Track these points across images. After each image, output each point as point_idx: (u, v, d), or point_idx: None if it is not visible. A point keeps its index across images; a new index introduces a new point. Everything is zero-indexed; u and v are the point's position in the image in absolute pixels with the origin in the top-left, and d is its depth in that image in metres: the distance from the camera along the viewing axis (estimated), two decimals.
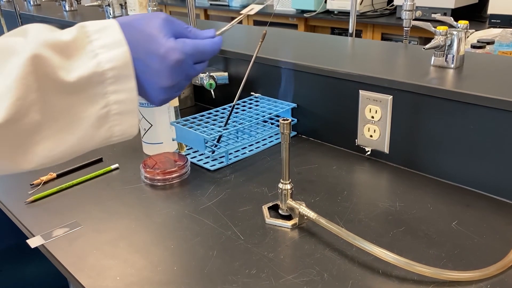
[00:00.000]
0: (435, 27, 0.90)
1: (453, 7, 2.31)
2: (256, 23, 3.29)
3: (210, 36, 0.54)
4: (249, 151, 1.01)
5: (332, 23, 2.88)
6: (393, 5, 2.69)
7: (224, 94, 1.23)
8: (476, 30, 1.61)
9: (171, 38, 0.50)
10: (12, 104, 0.40)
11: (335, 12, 2.81)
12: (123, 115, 0.48)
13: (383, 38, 2.65)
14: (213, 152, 0.97)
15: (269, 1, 0.79)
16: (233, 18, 4.09)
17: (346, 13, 2.64)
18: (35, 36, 0.44)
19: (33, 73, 0.41)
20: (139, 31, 0.48)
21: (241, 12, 0.63)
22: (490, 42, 1.47)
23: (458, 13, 2.31)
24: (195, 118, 1.02)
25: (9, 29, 2.26)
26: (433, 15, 1.10)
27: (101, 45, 0.45)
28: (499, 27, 1.89)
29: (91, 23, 0.47)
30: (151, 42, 0.48)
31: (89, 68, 0.44)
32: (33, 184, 0.89)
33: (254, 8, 0.64)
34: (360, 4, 2.67)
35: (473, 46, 1.46)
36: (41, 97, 0.42)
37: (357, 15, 1.32)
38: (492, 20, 2.18)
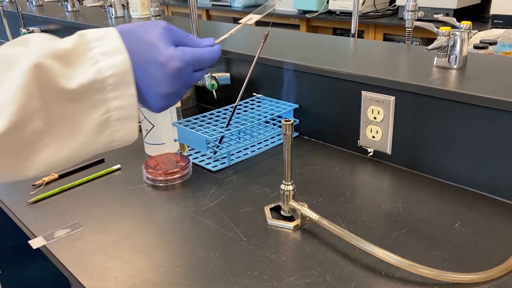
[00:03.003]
0: (437, 28, 0.90)
1: (455, 7, 2.31)
2: (258, 23, 3.28)
3: (209, 45, 0.54)
4: (251, 152, 1.01)
5: (334, 23, 2.88)
6: (395, 5, 2.68)
7: (226, 95, 1.23)
8: (478, 31, 1.60)
9: (171, 46, 0.50)
10: (15, 112, 0.41)
11: (337, 12, 2.81)
12: (124, 121, 0.48)
13: (385, 39, 2.64)
14: (215, 153, 0.97)
15: (268, 11, 0.80)
16: (234, 19, 4.07)
17: (348, 14, 2.63)
18: (35, 46, 0.44)
19: (35, 81, 0.42)
20: (139, 39, 0.49)
21: (239, 22, 0.63)
22: (493, 43, 1.47)
23: (460, 14, 2.31)
24: (197, 118, 1.02)
25: (11, 30, 2.25)
26: (435, 16, 1.10)
27: (101, 52, 0.46)
28: (502, 28, 1.88)
29: (91, 31, 0.47)
30: (151, 50, 0.49)
31: (89, 75, 0.45)
32: (35, 184, 0.89)
33: (253, 18, 0.64)
34: (362, 4, 2.66)
35: (475, 47, 1.45)
36: (43, 105, 0.43)
37: (359, 16, 1.32)
38: (494, 21, 2.18)
